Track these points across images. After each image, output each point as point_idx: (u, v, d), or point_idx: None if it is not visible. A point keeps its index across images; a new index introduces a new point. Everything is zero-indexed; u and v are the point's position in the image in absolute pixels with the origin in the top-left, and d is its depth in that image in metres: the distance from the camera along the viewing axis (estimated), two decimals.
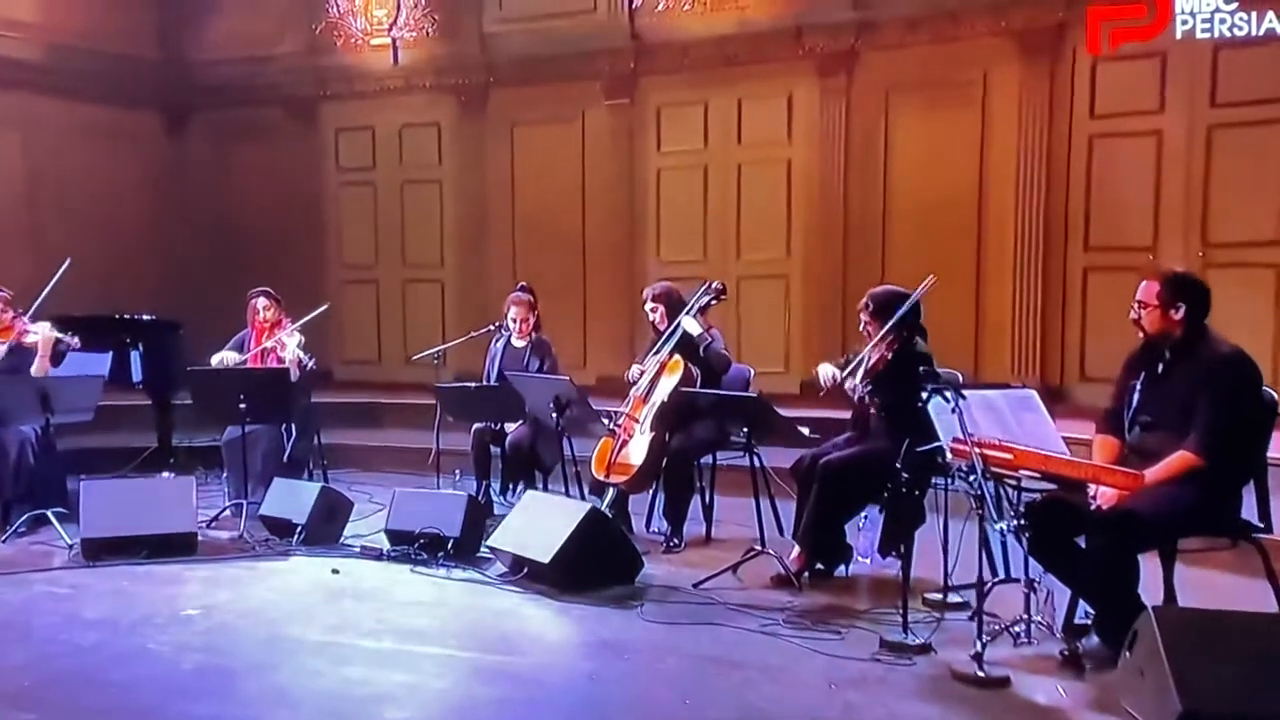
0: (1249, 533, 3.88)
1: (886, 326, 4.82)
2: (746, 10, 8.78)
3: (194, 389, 6.50)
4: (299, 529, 5.67)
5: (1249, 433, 3.86)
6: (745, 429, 5.35)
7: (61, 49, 9.57)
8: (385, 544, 5.52)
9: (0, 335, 6.17)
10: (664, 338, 5.70)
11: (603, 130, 9.46)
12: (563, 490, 5.91)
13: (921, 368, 4.19)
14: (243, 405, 6.00)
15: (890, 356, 4.87)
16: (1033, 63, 7.94)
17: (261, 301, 6.67)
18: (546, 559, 4.80)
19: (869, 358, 4.86)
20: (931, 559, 4.47)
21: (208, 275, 9.86)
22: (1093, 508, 3.83)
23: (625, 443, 5.61)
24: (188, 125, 10.81)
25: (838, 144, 8.62)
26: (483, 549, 5.37)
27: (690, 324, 5.61)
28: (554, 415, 5.59)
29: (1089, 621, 3.97)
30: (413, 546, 5.32)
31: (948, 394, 3.83)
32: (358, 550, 5.58)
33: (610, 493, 5.54)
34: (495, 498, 6.34)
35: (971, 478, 3.84)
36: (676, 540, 5.60)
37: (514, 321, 6.45)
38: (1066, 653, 3.87)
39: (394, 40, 9.66)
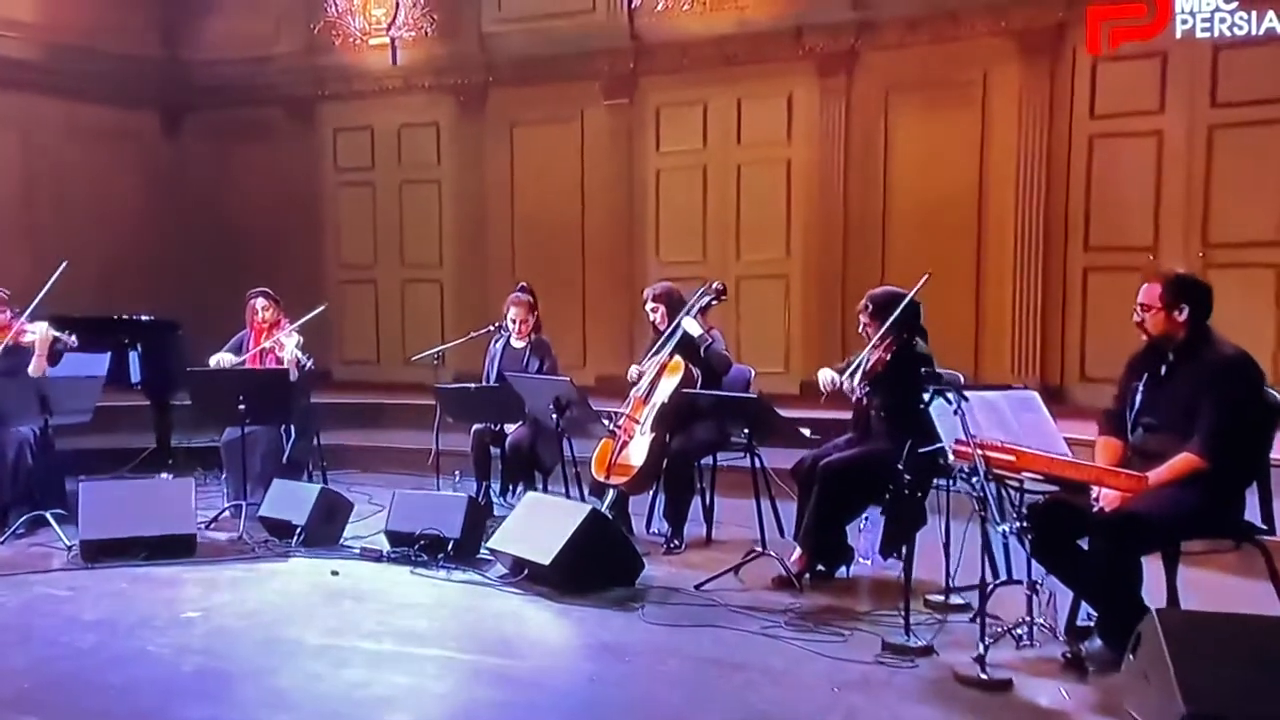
0: (1252, 535, 3.87)
1: (884, 327, 4.81)
2: (746, 10, 8.78)
3: (193, 390, 6.49)
4: (298, 530, 5.65)
5: (1252, 434, 3.84)
6: (746, 430, 5.33)
7: (60, 49, 9.56)
8: (385, 545, 5.50)
9: None
10: (664, 339, 5.68)
11: (602, 130, 9.45)
12: (563, 491, 5.88)
13: (924, 369, 4.18)
14: (242, 406, 5.99)
15: (889, 358, 4.87)
16: (1033, 63, 7.95)
17: (260, 302, 6.66)
18: (547, 561, 4.79)
19: (867, 359, 4.85)
20: (933, 560, 4.45)
21: (206, 275, 9.84)
22: (1095, 509, 3.82)
23: (625, 444, 5.60)
24: (186, 125, 10.81)
25: (837, 144, 8.62)
26: (483, 550, 5.35)
27: (691, 325, 5.59)
28: (554, 416, 5.57)
29: (1091, 624, 3.95)
30: (413, 548, 5.30)
31: (950, 395, 3.82)
32: (357, 552, 5.56)
33: (610, 494, 5.53)
34: (495, 499, 6.32)
35: (974, 479, 3.83)
36: (677, 542, 5.59)
37: (513, 322, 6.44)
38: (1069, 655, 3.85)
39: (392, 40, 9.66)
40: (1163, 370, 3.96)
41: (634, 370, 5.92)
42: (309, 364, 6.44)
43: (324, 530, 5.72)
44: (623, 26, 9.19)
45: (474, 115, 9.94)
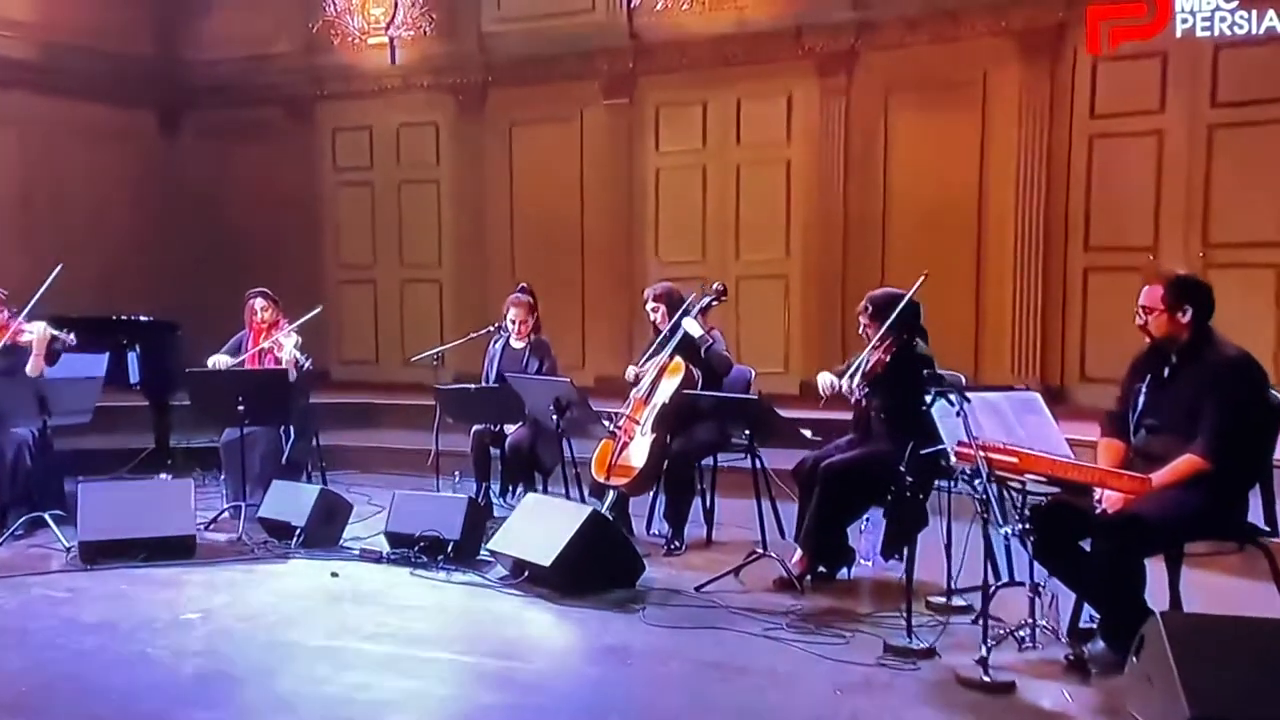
0: (1255, 537, 3.86)
1: (884, 328, 4.80)
2: (745, 10, 8.76)
3: (192, 390, 6.48)
4: (298, 531, 5.64)
5: (1255, 436, 3.83)
6: (747, 431, 5.32)
7: (57, 48, 9.54)
8: (385, 547, 5.49)
9: None
10: (665, 339, 5.67)
11: (601, 130, 9.44)
12: (563, 492, 5.87)
13: (926, 370, 4.17)
14: (241, 407, 5.97)
15: (889, 359, 4.86)
16: (1033, 63, 7.93)
17: (259, 302, 6.64)
18: (547, 562, 4.78)
19: (867, 360, 4.84)
20: (934, 562, 4.44)
21: (205, 275, 9.81)
22: (1098, 511, 3.81)
23: (626, 445, 5.59)
24: (184, 125, 10.77)
25: (837, 144, 8.60)
26: (483, 552, 5.34)
27: (691, 325, 5.58)
28: (554, 417, 5.56)
29: (1094, 626, 3.95)
30: (412, 549, 5.29)
31: (952, 397, 3.81)
32: (357, 553, 5.55)
33: (611, 495, 5.52)
34: (495, 500, 6.31)
35: (976, 481, 3.82)
36: (678, 543, 5.58)
37: (513, 323, 6.42)
38: (1072, 657, 3.85)
39: (391, 39, 9.63)
40: (1165, 372, 3.95)
41: (631, 371, 5.91)
42: (307, 364, 6.43)
43: (323, 531, 5.70)
44: (622, 26, 9.18)
45: (473, 115, 9.92)
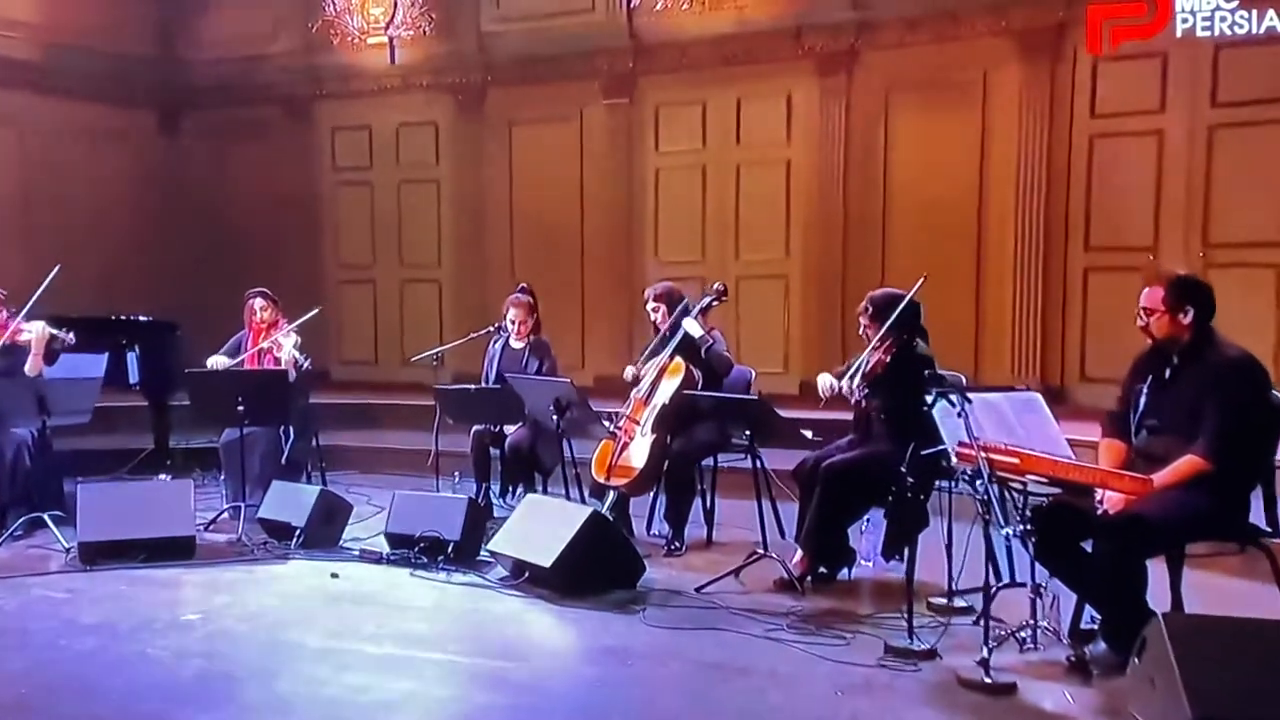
0: (1257, 537, 3.86)
1: (884, 329, 4.80)
2: (745, 10, 8.75)
3: (192, 391, 6.47)
4: (298, 532, 5.64)
5: (1257, 437, 3.83)
6: (747, 431, 5.31)
7: (57, 48, 9.54)
8: (385, 547, 5.48)
9: None
10: (665, 340, 5.66)
11: (601, 130, 9.43)
12: (563, 493, 5.86)
13: (927, 371, 4.16)
14: (240, 407, 5.96)
15: (889, 359, 4.85)
16: (1033, 62, 7.93)
17: (258, 302, 6.64)
18: (548, 563, 4.77)
19: (867, 361, 4.84)
20: (935, 563, 4.43)
21: (204, 275, 9.81)
22: (1099, 512, 3.80)
23: (626, 445, 5.59)
24: (183, 124, 10.78)
25: (837, 144, 8.60)
26: (483, 553, 5.33)
27: (691, 326, 5.58)
28: (554, 417, 5.55)
29: (1095, 627, 3.94)
30: (412, 550, 5.29)
31: (953, 397, 3.80)
32: (357, 554, 5.54)
33: (611, 496, 5.51)
34: (495, 500, 6.30)
35: (977, 482, 3.81)
36: (678, 544, 5.57)
37: (513, 323, 6.41)
38: (1073, 658, 3.85)
39: (391, 39, 9.63)
40: (1167, 373, 3.95)
41: (630, 371, 5.90)
42: (307, 364, 6.43)
43: (323, 532, 5.70)
44: (622, 26, 9.17)
45: (473, 115, 9.91)
